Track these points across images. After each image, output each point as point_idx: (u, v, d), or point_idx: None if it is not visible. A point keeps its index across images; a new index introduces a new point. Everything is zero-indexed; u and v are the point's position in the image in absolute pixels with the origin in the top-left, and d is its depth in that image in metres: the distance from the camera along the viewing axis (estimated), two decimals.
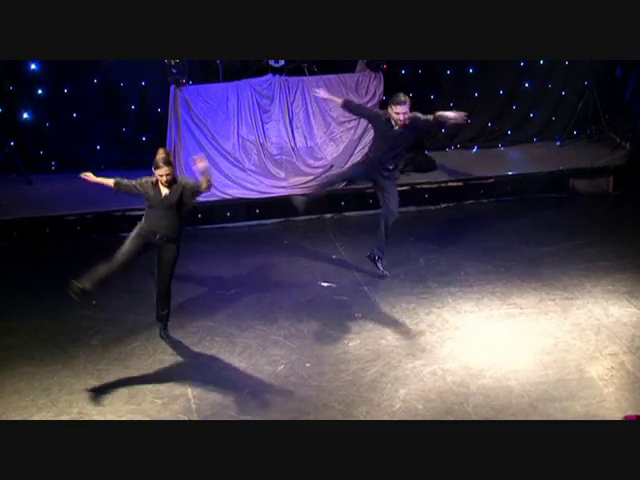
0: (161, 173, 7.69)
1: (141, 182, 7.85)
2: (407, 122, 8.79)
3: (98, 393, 7.43)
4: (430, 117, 8.93)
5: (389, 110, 8.86)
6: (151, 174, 7.83)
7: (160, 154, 7.74)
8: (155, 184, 7.79)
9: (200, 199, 10.36)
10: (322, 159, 11.08)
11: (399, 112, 8.73)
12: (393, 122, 8.83)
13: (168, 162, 7.75)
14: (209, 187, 7.87)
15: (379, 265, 9.32)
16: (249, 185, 10.85)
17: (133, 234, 7.90)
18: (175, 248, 7.94)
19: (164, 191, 7.80)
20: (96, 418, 7.07)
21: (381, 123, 8.96)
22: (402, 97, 8.77)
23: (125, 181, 7.89)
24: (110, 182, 7.88)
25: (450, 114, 9.01)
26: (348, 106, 9.33)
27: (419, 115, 8.95)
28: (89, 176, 7.94)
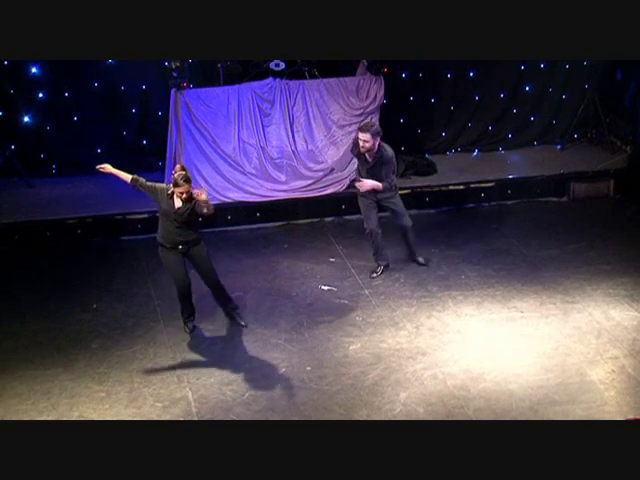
0: (181, 191, 7.77)
1: (156, 187, 7.98)
2: (366, 151, 8.85)
3: (98, 396, 7.44)
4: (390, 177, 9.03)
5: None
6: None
7: (179, 171, 7.80)
8: (170, 196, 7.87)
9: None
10: (323, 162, 11.07)
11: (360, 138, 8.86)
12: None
13: (188, 180, 7.81)
14: (210, 214, 8.01)
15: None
16: (250, 189, 10.84)
17: (167, 260, 8.13)
18: (202, 245, 8.16)
19: (177, 203, 7.88)
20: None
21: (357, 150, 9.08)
22: (365, 126, 8.88)
23: (142, 180, 8.06)
24: (127, 177, 8.06)
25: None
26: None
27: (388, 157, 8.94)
28: (106, 167, 8.13)
